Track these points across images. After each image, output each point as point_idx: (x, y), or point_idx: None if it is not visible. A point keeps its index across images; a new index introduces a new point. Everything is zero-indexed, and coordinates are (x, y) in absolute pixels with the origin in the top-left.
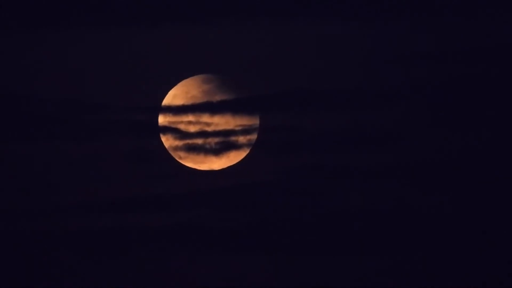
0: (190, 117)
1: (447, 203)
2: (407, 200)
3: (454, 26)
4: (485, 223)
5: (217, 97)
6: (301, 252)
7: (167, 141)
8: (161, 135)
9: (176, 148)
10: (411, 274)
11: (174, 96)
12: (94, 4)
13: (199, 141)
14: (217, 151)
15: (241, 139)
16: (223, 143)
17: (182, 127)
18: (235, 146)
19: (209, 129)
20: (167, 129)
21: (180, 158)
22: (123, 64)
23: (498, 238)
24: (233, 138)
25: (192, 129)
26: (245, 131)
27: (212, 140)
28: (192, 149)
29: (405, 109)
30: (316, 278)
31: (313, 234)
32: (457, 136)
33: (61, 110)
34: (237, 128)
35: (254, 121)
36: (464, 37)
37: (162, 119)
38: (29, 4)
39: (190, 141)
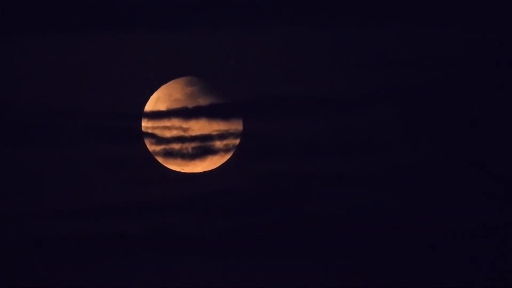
0: (170, 122)
1: (425, 209)
2: (384, 206)
3: (432, 32)
4: (462, 229)
5: (201, 100)
6: (279, 258)
7: (146, 146)
8: (139, 140)
9: (154, 154)
10: (387, 280)
11: (157, 99)
12: (71, 9)
13: (177, 146)
14: (194, 156)
15: (220, 144)
16: (200, 148)
17: (162, 132)
18: (214, 152)
19: (187, 134)
20: (147, 135)
21: (160, 163)
22: (103, 69)
23: (474, 243)
24: (212, 143)
25: (171, 134)
26: (225, 136)
27: (189, 145)
28: (169, 155)
29: (384, 115)
30: (294, 284)
31: (291, 240)
32: (434, 141)
33: (39, 116)
34: (217, 133)
35: (237, 126)
36: (442, 43)
37: (142, 124)
38: (2, 10)
39: (167, 146)
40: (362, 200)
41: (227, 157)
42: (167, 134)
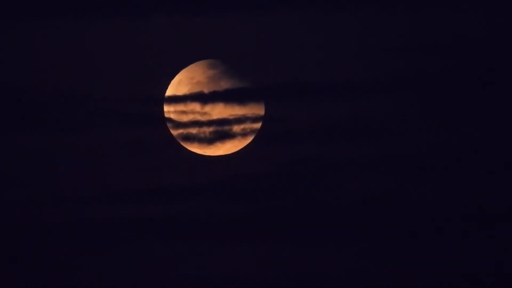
0: (188, 106)
1: (442, 194)
2: (403, 192)
3: (446, 17)
4: (475, 215)
5: (222, 83)
6: (298, 242)
7: (166, 131)
8: (160, 124)
9: (175, 138)
10: (402, 264)
11: (179, 82)
12: None
13: (194, 130)
14: (212, 140)
15: (237, 128)
16: (218, 132)
17: (181, 116)
18: (232, 136)
19: (204, 118)
20: (167, 119)
21: (181, 147)
22: (122, 55)
23: (486, 230)
24: (230, 128)
25: (189, 118)
26: (243, 120)
27: (207, 130)
28: (187, 139)
29: (404, 100)
30: (312, 268)
31: (311, 225)
32: (448, 128)
33: (60, 102)
34: (234, 118)
35: (255, 110)
36: (457, 29)
37: (164, 109)
38: None
39: (185, 131)
40: (382, 185)
41: (247, 141)
42: (185, 118)
